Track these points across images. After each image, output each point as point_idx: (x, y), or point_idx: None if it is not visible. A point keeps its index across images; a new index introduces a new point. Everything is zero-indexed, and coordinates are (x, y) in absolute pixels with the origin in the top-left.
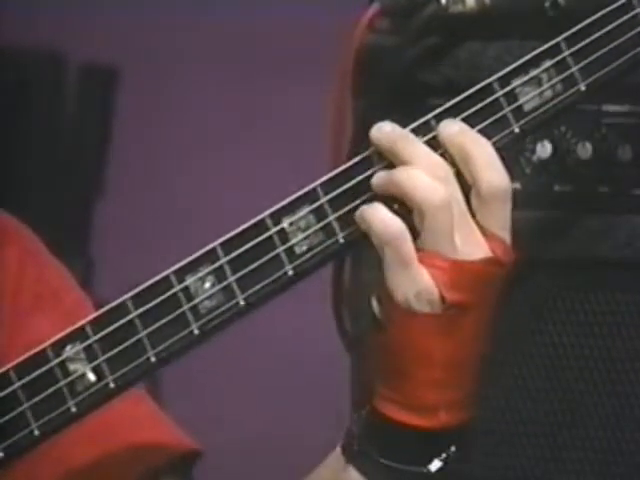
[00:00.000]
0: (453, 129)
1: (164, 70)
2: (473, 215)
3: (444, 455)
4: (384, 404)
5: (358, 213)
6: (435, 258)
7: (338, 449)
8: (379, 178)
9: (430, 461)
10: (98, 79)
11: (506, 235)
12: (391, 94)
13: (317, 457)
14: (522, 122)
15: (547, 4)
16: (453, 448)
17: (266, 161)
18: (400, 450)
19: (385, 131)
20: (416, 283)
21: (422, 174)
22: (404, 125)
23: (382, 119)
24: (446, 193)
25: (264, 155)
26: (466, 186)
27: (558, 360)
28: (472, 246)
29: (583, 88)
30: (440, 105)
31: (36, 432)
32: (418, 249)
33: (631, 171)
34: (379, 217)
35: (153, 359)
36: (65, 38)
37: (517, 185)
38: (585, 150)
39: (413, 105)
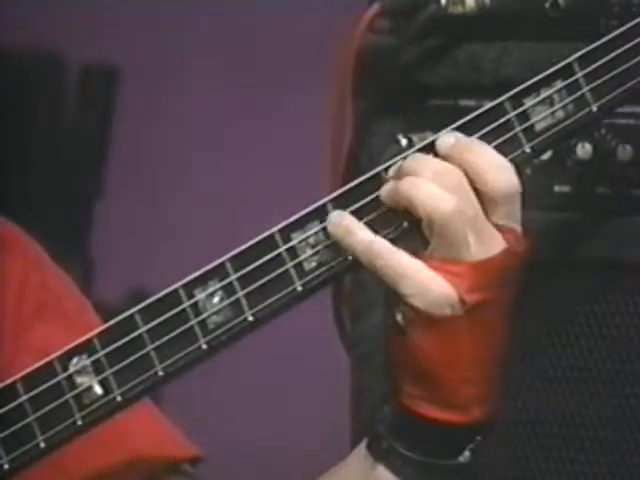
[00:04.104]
0: (449, 142)
1: (164, 70)
2: (487, 214)
3: (472, 445)
4: (415, 402)
5: (335, 236)
6: (449, 264)
7: (360, 449)
8: (386, 190)
9: (460, 453)
10: (98, 79)
11: (517, 226)
12: (391, 95)
13: (316, 461)
14: (534, 142)
15: (547, 5)
16: (479, 437)
17: (267, 160)
18: (432, 445)
19: (395, 168)
20: (432, 290)
21: (428, 183)
22: (404, 130)
23: (382, 119)
24: (455, 201)
25: (265, 155)
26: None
27: (559, 361)
28: (487, 243)
29: (595, 109)
30: (439, 106)
31: (42, 444)
32: (428, 257)
33: (631, 171)
34: (358, 240)
35: (161, 373)
36: (65, 38)
37: None
38: (585, 151)
39: (413, 106)
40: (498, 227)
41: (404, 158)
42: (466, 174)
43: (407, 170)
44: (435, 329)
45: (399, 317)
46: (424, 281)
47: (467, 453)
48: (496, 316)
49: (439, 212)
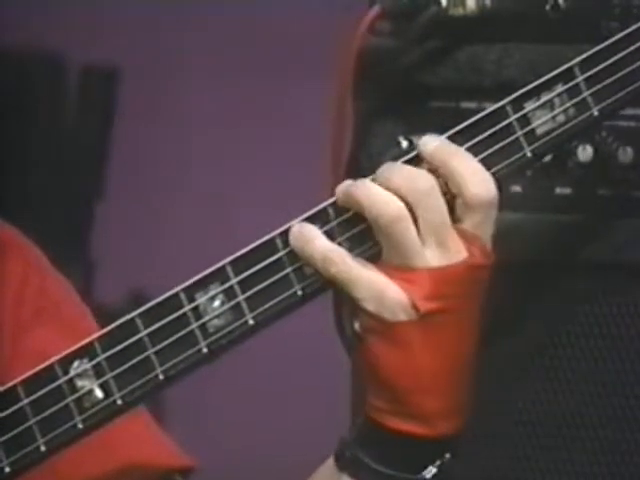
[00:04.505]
0: (433, 144)
1: (165, 71)
2: (457, 220)
3: (439, 462)
4: (378, 413)
5: (296, 248)
6: (404, 271)
7: (331, 457)
8: (340, 192)
9: (425, 468)
10: (98, 80)
11: (488, 238)
12: (392, 97)
13: (316, 466)
14: (535, 146)
15: (548, 7)
16: (448, 455)
17: (267, 161)
18: (396, 458)
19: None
20: (385, 296)
21: (378, 188)
22: (405, 132)
23: (382, 121)
24: (402, 206)
25: (265, 155)
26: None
27: (559, 361)
28: (448, 251)
29: (596, 113)
30: (440, 108)
31: (42, 448)
32: (383, 264)
33: (632, 174)
34: (317, 249)
35: (161, 377)
36: (65, 38)
37: (518, 188)
38: (586, 153)
39: (413, 107)
40: (466, 238)
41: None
42: (445, 178)
43: (379, 177)
44: (390, 336)
45: (356, 325)
46: (378, 286)
47: (433, 469)
48: (454, 327)
49: (384, 217)
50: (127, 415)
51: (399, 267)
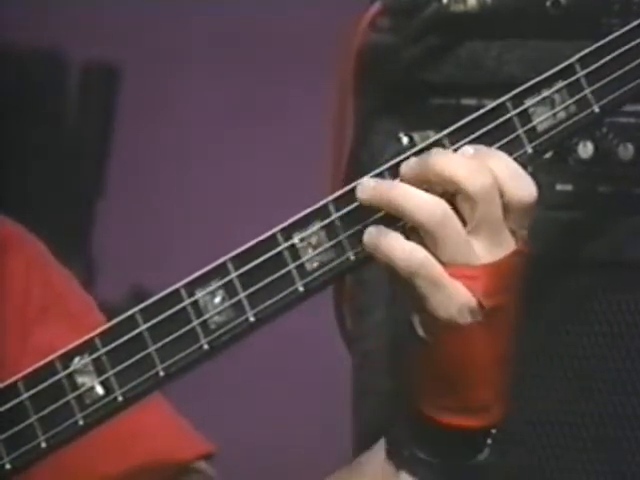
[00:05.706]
0: (468, 152)
1: (165, 70)
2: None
3: (489, 441)
4: (438, 412)
5: (371, 246)
6: (463, 269)
7: (378, 456)
8: (369, 195)
9: (480, 451)
10: (99, 79)
11: (525, 231)
12: (392, 93)
13: (316, 461)
14: (536, 143)
15: (548, 3)
16: (494, 431)
17: (267, 160)
18: (455, 450)
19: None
20: (456, 299)
21: (413, 190)
22: (405, 128)
23: (383, 118)
24: (446, 206)
25: (265, 154)
26: None
27: (560, 359)
28: (500, 246)
29: (597, 110)
30: (441, 104)
31: (43, 444)
32: (444, 264)
33: (632, 170)
34: (399, 249)
35: (162, 373)
36: (66, 37)
37: None
38: (586, 149)
39: (414, 104)
40: (511, 230)
41: (411, 156)
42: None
43: (437, 165)
44: (457, 336)
45: (420, 330)
46: (449, 292)
47: (486, 450)
48: (508, 318)
49: (432, 219)
50: (145, 405)
51: (459, 265)
